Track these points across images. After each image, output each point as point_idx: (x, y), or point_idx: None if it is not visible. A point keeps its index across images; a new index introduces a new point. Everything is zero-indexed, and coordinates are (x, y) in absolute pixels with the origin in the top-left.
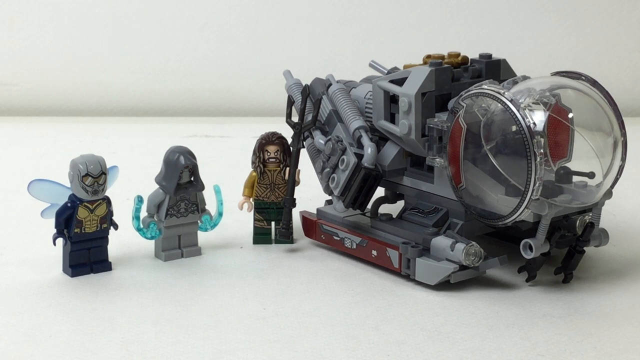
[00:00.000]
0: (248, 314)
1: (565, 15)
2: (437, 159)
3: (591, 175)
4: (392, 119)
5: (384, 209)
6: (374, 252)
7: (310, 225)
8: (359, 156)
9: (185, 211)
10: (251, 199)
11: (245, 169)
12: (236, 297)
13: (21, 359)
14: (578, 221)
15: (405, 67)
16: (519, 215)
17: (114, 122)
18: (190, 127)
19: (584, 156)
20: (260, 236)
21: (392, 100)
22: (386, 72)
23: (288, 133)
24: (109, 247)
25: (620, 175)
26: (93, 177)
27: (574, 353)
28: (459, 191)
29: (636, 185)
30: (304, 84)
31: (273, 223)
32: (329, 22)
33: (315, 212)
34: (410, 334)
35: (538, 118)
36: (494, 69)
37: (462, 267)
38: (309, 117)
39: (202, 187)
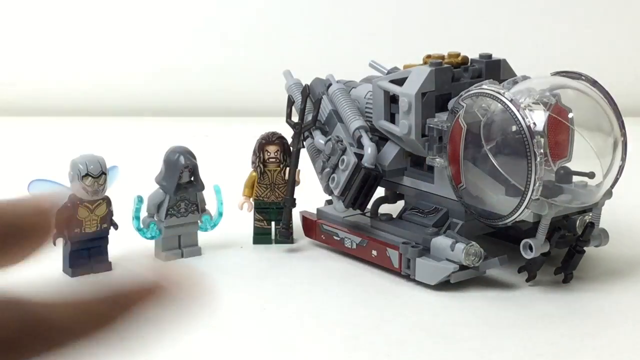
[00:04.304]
0: (248, 314)
1: (565, 15)
2: (437, 159)
3: (591, 175)
4: (392, 119)
5: (384, 209)
6: (374, 252)
7: (310, 225)
8: (359, 156)
9: (185, 211)
10: (251, 199)
11: (245, 169)
12: (236, 297)
13: None
14: (578, 221)
15: (405, 67)
16: (519, 215)
17: (114, 122)
18: (190, 127)
19: (584, 156)
20: (260, 236)
21: (392, 100)
22: (386, 72)
23: (288, 133)
24: (109, 247)
25: (620, 175)
26: (93, 177)
27: (574, 353)
28: (459, 191)
29: (636, 185)
30: (304, 84)
31: (273, 223)
32: (329, 22)
33: (315, 212)
34: (410, 334)
35: (538, 118)
36: (494, 69)
37: (462, 267)
38: (309, 117)
39: (202, 187)
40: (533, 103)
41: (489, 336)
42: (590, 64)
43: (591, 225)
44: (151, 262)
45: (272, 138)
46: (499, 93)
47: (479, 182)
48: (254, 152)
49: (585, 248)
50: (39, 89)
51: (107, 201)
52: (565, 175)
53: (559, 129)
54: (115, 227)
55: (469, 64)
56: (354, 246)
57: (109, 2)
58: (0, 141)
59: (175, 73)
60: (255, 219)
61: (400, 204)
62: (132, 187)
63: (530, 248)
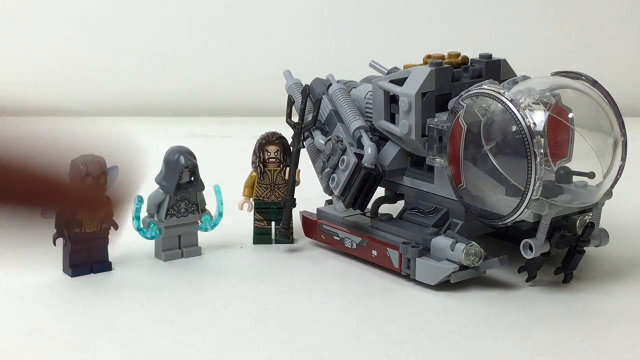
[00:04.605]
0: (248, 314)
1: (565, 15)
2: (437, 159)
3: (591, 175)
4: (392, 119)
5: (384, 209)
6: (374, 252)
7: (310, 225)
8: (359, 156)
9: (185, 211)
10: (251, 199)
11: (245, 169)
12: (236, 297)
13: (21, 359)
14: (578, 221)
15: (405, 67)
16: (519, 215)
17: (114, 122)
18: (190, 127)
19: (584, 156)
20: (260, 236)
21: (392, 100)
22: (386, 72)
23: (288, 133)
24: (109, 247)
25: (620, 175)
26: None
27: (574, 353)
28: (459, 191)
29: (636, 185)
30: (304, 84)
31: (273, 223)
32: (329, 22)
33: (315, 212)
34: (410, 334)
35: (538, 118)
36: (494, 69)
37: (462, 267)
38: (309, 117)
39: (202, 187)
40: (533, 103)
41: (489, 336)
42: (590, 64)
43: (591, 225)
44: None
45: (272, 138)
46: (499, 93)
47: (479, 182)
48: (254, 152)
49: (585, 248)
50: (39, 89)
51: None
52: (565, 175)
53: (559, 129)
54: (116, 227)
55: (469, 64)
56: (354, 246)
57: (109, 2)
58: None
59: (176, 73)
60: (255, 219)
61: (400, 204)
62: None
63: (530, 248)
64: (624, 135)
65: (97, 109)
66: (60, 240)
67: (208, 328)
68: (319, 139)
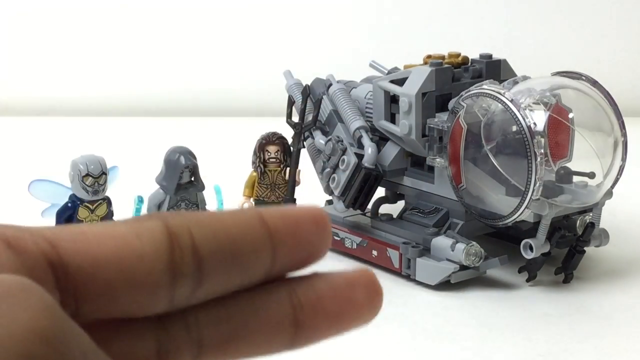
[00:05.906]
0: None
1: (565, 16)
2: (438, 159)
3: (591, 175)
4: (392, 119)
5: (384, 209)
6: (374, 252)
7: None
8: (360, 156)
9: (185, 211)
10: (251, 199)
11: (245, 169)
12: None
13: None
14: (578, 221)
15: (405, 67)
16: (519, 215)
17: (114, 122)
18: (190, 127)
19: (585, 156)
20: None
21: (392, 100)
22: (386, 72)
23: (288, 133)
24: None
25: (620, 175)
26: (93, 177)
27: (574, 353)
28: (460, 191)
29: (636, 185)
30: (304, 84)
31: None
32: (329, 22)
33: None
34: (410, 334)
35: (538, 118)
36: (494, 69)
37: (463, 267)
38: (309, 117)
39: (203, 187)
40: (533, 103)
41: (489, 336)
42: (590, 64)
43: (591, 225)
44: None
45: (273, 138)
46: (499, 93)
47: (480, 182)
48: (254, 152)
49: (585, 248)
50: (38, 89)
51: (108, 201)
52: (566, 175)
53: (559, 129)
54: None
55: (470, 64)
56: (354, 246)
57: (109, 2)
58: (0, 141)
59: (176, 73)
60: None
61: (401, 204)
62: (132, 187)
63: (531, 248)
64: (624, 135)
65: (97, 109)
66: None
67: None
68: (319, 139)
